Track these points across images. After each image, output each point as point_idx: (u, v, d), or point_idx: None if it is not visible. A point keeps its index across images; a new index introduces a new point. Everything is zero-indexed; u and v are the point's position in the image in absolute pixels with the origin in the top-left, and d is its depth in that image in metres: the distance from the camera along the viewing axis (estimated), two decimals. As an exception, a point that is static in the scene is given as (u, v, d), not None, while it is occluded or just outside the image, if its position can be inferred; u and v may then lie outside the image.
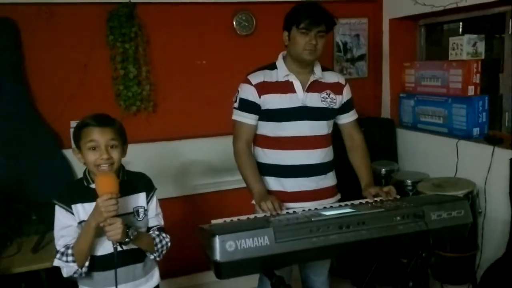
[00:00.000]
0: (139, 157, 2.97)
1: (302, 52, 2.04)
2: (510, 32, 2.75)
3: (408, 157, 3.37)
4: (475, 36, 2.83)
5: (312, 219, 1.62)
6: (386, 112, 3.66)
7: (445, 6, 2.84)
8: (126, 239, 1.58)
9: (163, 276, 3.12)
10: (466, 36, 2.82)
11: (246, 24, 3.23)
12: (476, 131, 2.85)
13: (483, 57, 2.86)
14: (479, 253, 2.67)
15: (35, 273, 2.07)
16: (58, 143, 2.91)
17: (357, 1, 3.52)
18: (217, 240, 1.47)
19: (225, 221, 1.77)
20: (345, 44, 3.54)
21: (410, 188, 2.83)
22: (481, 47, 2.83)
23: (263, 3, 3.23)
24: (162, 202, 3.06)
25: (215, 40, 3.20)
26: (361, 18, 3.56)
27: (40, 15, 2.82)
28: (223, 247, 1.47)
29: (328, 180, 2.22)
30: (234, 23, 3.22)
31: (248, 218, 1.80)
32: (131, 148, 3.18)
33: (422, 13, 3.11)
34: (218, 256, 1.48)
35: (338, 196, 2.27)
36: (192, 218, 2.87)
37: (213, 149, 3.14)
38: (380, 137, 3.43)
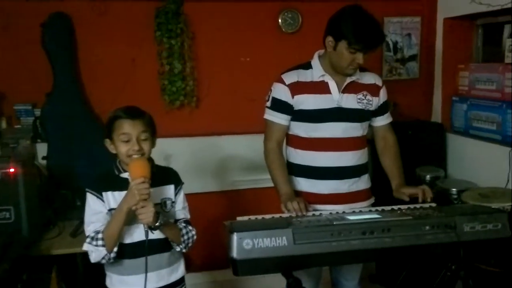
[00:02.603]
0: (181, 150, 3.07)
1: (345, 68, 2.00)
2: None
3: (458, 164, 3.21)
4: (534, 38, 2.64)
5: (334, 223, 1.58)
6: (436, 115, 3.50)
7: (503, 5, 2.67)
8: (157, 224, 1.61)
9: (197, 269, 3.21)
10: (525, 38, 2.63)
11: (292, 22, 3.21)
12: (531, 139, 2.66)
13: (542, 60, 2.66)
14: (527, 270, 2.49)
15: (72, 256, 2.17)
16: (105, 134, 3.03)
17: (411, -1, 3.39)
18: (234, 237, 1.47)
19: (249, 218, 1.77)
20: (395, 43, 3.42)
21: (455, 197, 2.69)
22: (541, 49, 2.64)
23: (310, 1, 3.19)
24: (200, 196, 3.14)
25: (260, 38, 3.21)
26: (413, 17, 3.43)
27: (94, 11, 2.95)
28: (240, 245, 1.47)
29: (362, 183, 2.16)
30: (280, 20, 3.21)
31: (273, 217, 1.80)
32: (174, 141, 3.28)
33: (478, 12, 2.93)
34: (235, 253, 1.47)
35: (372, 200, 2.21)
36: (228, 214, 2.89)
37: (253, 146, 3.10)
38: (429, 142, 3.29)
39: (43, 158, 2.85)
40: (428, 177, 2.95)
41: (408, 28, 3.42)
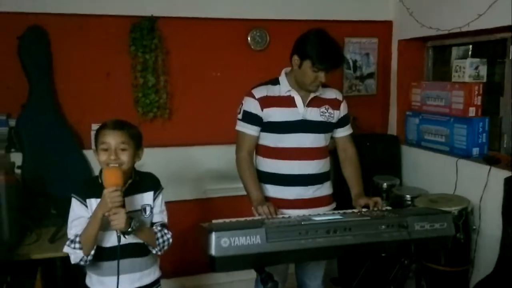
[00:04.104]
0: (154, 160, 3.13)
1: (309, 85, 2.19)
2: (510, 58, 2.85)
3: (412, 173, 3.48)
4: (477, 60, 2.95)
5: (302, 223, 1.75)
6: (392, 129, 3.78)
7: (449, 30, 2.98)
8: (129, 229, 1.71)
9: (170, 275, 3.31)
10: (469, 60, 2.94)
11: (260, 40, 3.43)
12: (475, 150, 2.95)
13: (484, 80, 2.97)
14: (472, 268, 2.76)
15: (51, 261, 2.26)
16: (79, 144, 3.12)
17: (369, 21, 3.66)
18: (213, 236, 1.62)
19: (224, 221, 1.92)
20: (355, 62, 3.69)
21: (409, 202, 2.94)
22: (483, 70, 2.95)
23: (277, 21, 3.41)
24: (173, 204, 3.23)
25: (230, 54, 3.40)
26: (371, 38, 3.71)
27: (70, 26, 3.06)
28: (218, 243, 1.62)
29: (324, 189, 2.36)
30: (249, 38, 3.41)
31: (246, 219, 1.96)
32: (147, 151, 3.37)
33: (429, 35, 3.24)
34: (213, 251, 1.62)
35: (334, 205, 2.40)
36: (200, 221, 3.02)
37: (223, 156, 3.26)
38: (385, 153, 3.55)
39: (18, 167, 2.90)
40: (384, 185, 3.20)
41: (367, 48, 3.70)
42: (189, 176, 3.35)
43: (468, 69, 2.93)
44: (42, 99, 3.00)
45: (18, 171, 2.91)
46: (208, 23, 3.31)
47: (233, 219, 1.93)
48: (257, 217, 2.04)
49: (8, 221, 2.17)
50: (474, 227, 2.74)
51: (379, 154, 3.51)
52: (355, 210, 2.09)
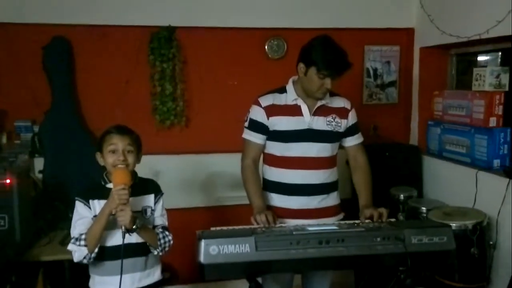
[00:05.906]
0: (170, 167, 3.24)
1: (315, 92, 2.17)
2: (534, 66, 2.73)
3: (432, 185, 3.37)
4: (498, 68, 2.84)
5: (294, 233, 1.74)
6: (414, 139, 3.68)
7: (469, 37, 2.88)
8: (134, 227, 1.80)
9: (182, 281, 3.32)
10: (489, 68, 2.83)
11: (277, 48, 3.44)
12: (496, 162, 2.83)
13: (507, 89, 2.85)
14: (488, 285, 2.63)
15: (60, 263, 2.34)
16: (99, 150, 3.22)
17: (390, 29, 3.60)
18: (202, 243, 1.65)
19: (222, 229, 1.93)
20: (375, 70, 3.63)
21: (424, 215, 2.84)
22: (505, 79, 2.83)
23: (295, 29, 3.40)
24: (187, 211, 3.26)
25: (247, 63, 3.43)
26: (393, 46, 3.64)
27: (92, 36, 3.18)
28: (207, 250, 1.64)
29: (331, 200, 2.32)
30: (266, 47, 3.43)
31: (243, 228, 1.96)
32: (163, 158, 3.44)
33: (450, 43, 3.14)
34: (202, 258, 1.65)
35: (341, 216, 2.35)
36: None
37: (239, 164, 3.30)
38: (406, 163, 3.45)
39: (40, 172, 3.04)
40: (401, 196, 3.10)
41: (388, 56, 3.63)
42: (204, 183, 3.38)
43: (488, 77, 2.83)
44: (64, 107, 3.13)
45: (40, 175, 3.04)
46: (225, 32, 3.35)
47: (230, 227, 1.94)
48: (254, 226, 2.03)
49: (19, 224, 2.26)
50: (491, 242, 2.62)
51: (399, 165, 3.42)
52: (355, 221, 2.04)
